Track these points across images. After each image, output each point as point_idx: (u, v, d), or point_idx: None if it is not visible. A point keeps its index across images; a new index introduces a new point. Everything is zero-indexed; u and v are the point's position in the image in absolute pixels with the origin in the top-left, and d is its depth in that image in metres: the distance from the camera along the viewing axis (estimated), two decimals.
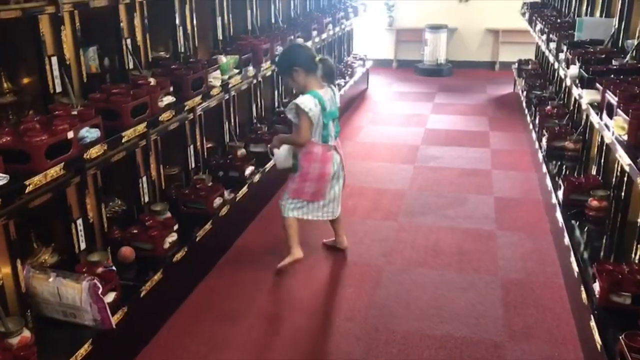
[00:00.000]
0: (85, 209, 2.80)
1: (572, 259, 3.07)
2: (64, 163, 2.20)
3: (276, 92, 5.48)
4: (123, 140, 2.60)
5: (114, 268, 2.75)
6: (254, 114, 4.97)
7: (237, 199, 3.87)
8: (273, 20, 5.31)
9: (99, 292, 2.41)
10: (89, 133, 2.36)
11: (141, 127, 2.72)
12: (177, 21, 3.62)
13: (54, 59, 2.56)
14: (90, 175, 2.83)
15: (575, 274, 2.94)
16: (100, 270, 2.69)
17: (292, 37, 4.94)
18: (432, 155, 5.72)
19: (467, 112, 7.30)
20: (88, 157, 2.34)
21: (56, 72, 2.58)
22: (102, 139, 2.45)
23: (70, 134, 2.23)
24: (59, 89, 2.61)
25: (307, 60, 3.45)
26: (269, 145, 3.75)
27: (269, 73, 5.14)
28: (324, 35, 5.85)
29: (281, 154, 3.56)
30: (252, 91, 4.88)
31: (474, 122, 6.85)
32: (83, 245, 2.82)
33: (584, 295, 2.72)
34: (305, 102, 3.37)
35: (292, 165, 3.55)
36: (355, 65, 7.67)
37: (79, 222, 2.78)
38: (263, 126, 4.91)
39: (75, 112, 2.43)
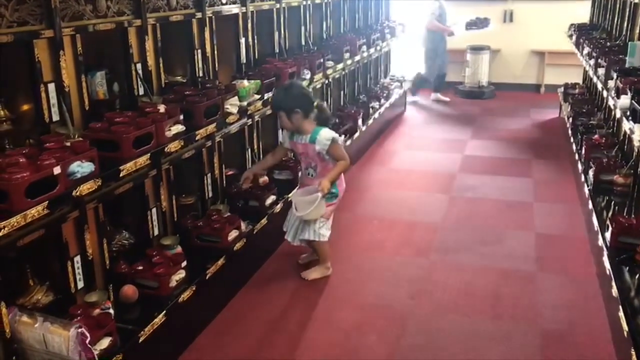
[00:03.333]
0: (84, 245, 2.61)
1: (621, 313, 2.72)
2: (47, 202, 2.00)
3: None
4: (122, 175, 2.39)
5: (110, 311, 2.55)
6: (280, 139, 4.74)
7: (255, 231, 3.64)
8: (303, 42, 5.10)
9: (87, 341, 2.20)
10: (81, 168, 2.17)
11: (144, 159, 2.52)
12: (195, 44, 3.43)
13: (51, 86, 2.39)
14: (91, 209, 2.65)
15: (625, 332, 2.59)
16: (96, 312, 2.50)
17: (322, 59, 4.72)
18: (470, 185, 5.38)
19: (508, 138, 6.93)
20: (78, 194, 2.14)
21: (53, 100, 2.41)
22: (97, 174, 2.25)
23: (57, 170, 2.04)
24: (56, 117, 2.43)
25: (308, 105, 3.49)
26: (305, 196, 3.48)
27: None
28: (357, 58, 5.61)
29: (317, 204, 3.39)
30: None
31: (515, 149, 6.49)
32: (81, 284, 2.63)
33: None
34: (334, 133, 3.58)
35: (328, 196, 3.55)
36: (392, 87, 7.41)
37: (77, 259, 2.59)
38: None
39: (68, 144, 2.25)
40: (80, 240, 2.60)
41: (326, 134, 3.50)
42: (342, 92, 6.35)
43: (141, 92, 2.97)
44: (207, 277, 3.09)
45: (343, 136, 3.57)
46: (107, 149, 2.45)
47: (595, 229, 3.68)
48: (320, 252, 3.73)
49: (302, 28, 5.07)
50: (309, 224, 3.59)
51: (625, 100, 3.13)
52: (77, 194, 2.15)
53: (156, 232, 3.18)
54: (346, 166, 3.57)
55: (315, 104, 3.53)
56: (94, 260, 2.70)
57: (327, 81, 5.57)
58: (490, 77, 9.26)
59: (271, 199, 3.96)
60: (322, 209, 3.49)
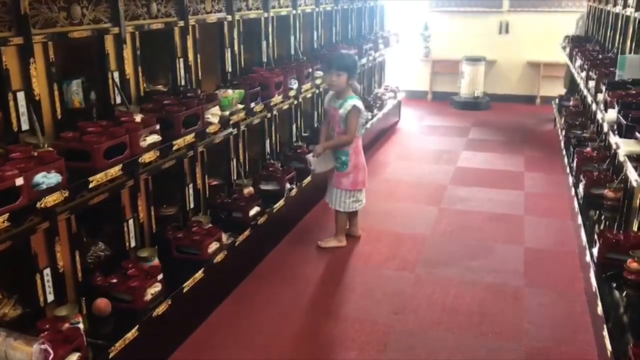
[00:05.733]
0: (55, 257, 2.55)
1: (605, 332, 2.65)
2: (9, 214, 1.94)
3: (294, 126, 5.20)
4: (91, 186, 2.33)
5: (80, 325, 2.48)
6: (267, 149, 4.69)
7: (237, 243, 3.57)
8: (293, 52, 5.06)
9: (50, 358, 2.13)
10: (46, 179, 2.10)
11: (116, 170, 2.46)
12: (177, 52, 3.38)
13: (20, 94, 2.33)
14: (63, 220, 2.58)
15: (609, 352, 2.52)
16: (65, 326, 2.43)
17: (310, 69, 4.67)
18: (460, 197, 5.32)
19: (502, 150, 6.88)
20: (42, 206, 2.08)
21: (22, 109, 2.35)
22: (64, 185, 2.19)
23: (20, 181, 1.97)
24: (25, 126, 2.37)
25: (356, 71, 4.12)
26: (309, 156, 4.11)
27: (285, 106, 4.89)
28: None
29: (323, 159, 4.03)
30: (266, 125, 4.61)
31: (508, 161, 6.43)
32: (51, 297, 2.56)
33: None
34: (360, 104, 4.03)
35: (339, 164, 4.08)
36: (386, 97, 7.36)
37: (46, 271, 2.52)
38: (276, 162, 4.64)
39: (36, 154, 2.19)
40: (50, 252, 2.53)
41: (353, 101, 3.99)
42: None
43: (118, 100, 2.91)
44: (184, 291, 3.02)
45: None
46: (79, 159, 2.40)
47: (584, 244, 3.61)
48: (336, 222, 4.24)
49: (292, 37, 5.03)
50: (333, 193, 4.18)
51: (612, 114, 3.07)
52: (42, 205, 2.08)
53: (133, 243, 3.11)
54: (345, 142, 4.03)
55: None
56: (65, 273, 2.63)
57: (317, 91, 5.52)
58: (486, 88, 9.23)
59: (255, 210, 3.90)
60: (326, 165, 4.07)
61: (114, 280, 2.84)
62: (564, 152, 5.62)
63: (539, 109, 9.05)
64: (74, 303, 2.64)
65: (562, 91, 7.87)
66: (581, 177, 4.39)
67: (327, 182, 4.30)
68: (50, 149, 2.32)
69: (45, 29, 2.43)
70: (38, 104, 2.42)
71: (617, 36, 5.14)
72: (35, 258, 2.46)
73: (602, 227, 3.82)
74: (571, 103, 7.11)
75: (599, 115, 3.58)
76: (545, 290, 3.68)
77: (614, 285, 3.05)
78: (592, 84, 4.21)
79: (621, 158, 2.68)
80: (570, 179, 4.81)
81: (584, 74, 4.72)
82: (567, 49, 6.46)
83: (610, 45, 5.57)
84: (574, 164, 4.81)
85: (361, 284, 3.76)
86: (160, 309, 2.82)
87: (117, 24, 2.84)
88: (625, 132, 2.67)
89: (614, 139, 2.88)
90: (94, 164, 2.39)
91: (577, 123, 6.00)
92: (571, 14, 8.73)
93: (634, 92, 3.28)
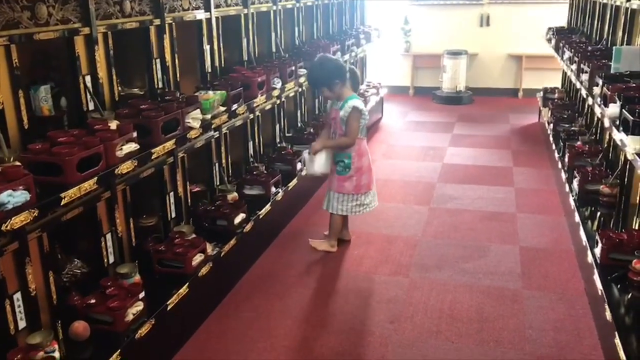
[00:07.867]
0: (26, 280, 2.33)
1: (617, 340, 2.52)
2: None
3: (277, 127, 5.01)
4: (63, 202, 2.12)
5: (55, 354, 2.27)
6: (251, 151, 4.50)
7: (223, 253, 3.38)
8: (274, 49, 4.86)
9: None
10: (12, 197, 1.89)
11: (90, 184, 2.25)
12: (154, 53, 3.17)
13: None
14: (34, 238, 2.37)
15: None
16: (39, 356, 2.23)
17: (293, 67, 4.49)
18: (450, 195, 5.18)
19: (488, 145, 6.76)
20: (9, 228, 1.87)
21: None
22: (33, 203, 1.98)
23: None
24: None
25: (342, 72, 3.85)
26: (305, 153, 4.02)
27: (268, 106, 4.69)
28: None
29: (321, 160, 3.79)
30: (249, 127, 4.42)
31: (496, 156, 6.31)
32: (22, 324, 2.35)
33: None
34: (360, 104, 3.85)
35: (341, 168, 3.90)
36: (369, 93, 7.19)
37: (17, 296, 2.31)
38: (260, 165, 4.45)
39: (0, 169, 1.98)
40: (20, 274, 2.31)
41: (352, 102, 3.81)
42: (317, 100, 6.14)
43: (91, 107, 2.69)
44: (168, 309, 2.82)
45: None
46: (49, 172, 2.19)
47: (584, 243, 3.49)
48: (330, 225, 4.07)
49: (273, 34, 4.83)
50: (329, 196, 4.02)
51: (614, 108, 2.94)
52: (9, 227, 1.87)
53: (112, 259, 2.90)
54: (345, 143, 3.85)
55: (347, 69, 3.90)
56: (38, 296, 2.41)
57: (300, 89, 5.34)
58: (468, 82, 9.12)
59: (240, 217, 3.70)
60: (320, 166, 3.80)
61: (92, 301, 2.63)
62: (554, 147, 5.50)
63: (521, 101, 8.98)
64: (48, 329, 2.42)
65: (546, 84, 7.76)
66: (575, 172, 4.27)
67: (311, 184, 4.13)
68: (17, 163, 2.10)
69: (7, 30, 2.21)
70: (1, 113, 2.20)
71: (606, 27, 5.03)
72: (4, 283, 2.24)
73: (598, 224, 3.71)
74: (556, 95, 7.00)
75: (598, 110, 3.44)
76: (544, 292, 3.55)
77: (619, 287, 2.93)
78: (584, 77, 4.08)
79: (630, 156, 2.54)
80: (563, 174, 4.70)
81: (574, 67, 4.60)
82: (553, 41, 6.35)
83: (597, 37, 5.46)
84: (566, 159, 4.69)
85: (354, 292, 3.59)
86: (143, 330, 2.62)
87: (88, 24, 2.62)
88: (632, 128, 2.53)
89: (618, 136, 2.74)
90: (66, 178, 2.18)
91: (565, 116, 5.89)
92: (552, 5, 8.66)
93: (634, 85, 3.15)
